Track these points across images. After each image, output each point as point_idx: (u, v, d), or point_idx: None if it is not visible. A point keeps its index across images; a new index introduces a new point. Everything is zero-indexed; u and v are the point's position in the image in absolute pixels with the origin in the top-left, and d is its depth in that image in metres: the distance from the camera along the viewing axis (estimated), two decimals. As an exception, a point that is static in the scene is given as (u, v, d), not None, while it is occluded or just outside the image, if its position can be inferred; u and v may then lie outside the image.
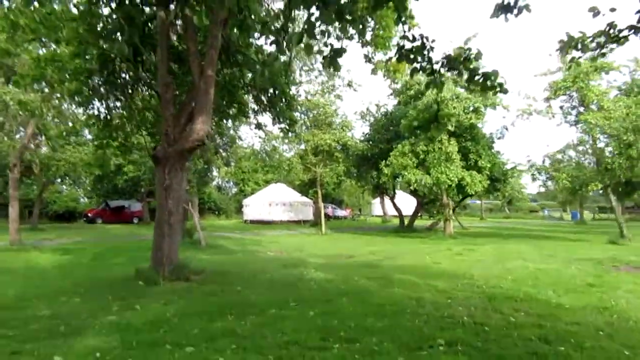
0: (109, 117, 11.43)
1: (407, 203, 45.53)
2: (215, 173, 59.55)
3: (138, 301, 7.28)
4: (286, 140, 30.32)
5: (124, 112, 11.55)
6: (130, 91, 11.42)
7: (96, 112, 11.51)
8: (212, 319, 6.11)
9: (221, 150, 31.72)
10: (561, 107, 23.65)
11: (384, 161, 25.68)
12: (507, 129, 26.16)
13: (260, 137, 26.50)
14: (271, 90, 11.06)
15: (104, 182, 44.58)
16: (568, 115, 23.13)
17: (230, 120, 24.43)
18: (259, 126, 12.80)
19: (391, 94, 27.77)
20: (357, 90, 18.48)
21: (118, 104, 11.52)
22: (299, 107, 18.88)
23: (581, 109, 22.45)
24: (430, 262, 13.13)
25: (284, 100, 11.39)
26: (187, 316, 6.27)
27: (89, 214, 44.25)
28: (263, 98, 11.55)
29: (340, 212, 57.53)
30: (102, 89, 10.96)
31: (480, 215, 61.23)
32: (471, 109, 24.50)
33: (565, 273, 10.56)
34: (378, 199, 58.88)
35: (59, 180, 49.02)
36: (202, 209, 52.68)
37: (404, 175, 24.10)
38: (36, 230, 30.41)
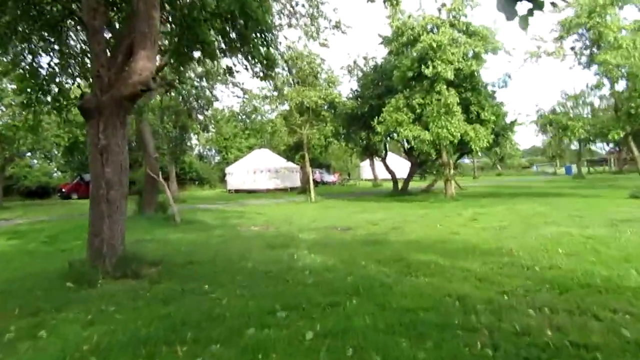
0: (34, 63, 8.84)
1: (398, 165, 43.44)
2: (195, 141, 56.94)
3: (53, 318, 4.96)
4: (267, 100, 27.68)
5: (55, 57, 8.95)
6: (59, 28, 8.80)
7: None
8: (151, 356, 3.81)
9: (197, 114, 29.05)
10: (572, 48, 21.20)
11: (376, 118, 23.24)
12: (510, 76, 23.78)
13: (238, 96, 23.79)
14: (241, 21, 8.47)
15: (75, 154, 41.51)
16: (582, 56, 20.70)
17: (194, 68, 21.83)
18: (229, 72, 10.20)
19: (381, 43, 25.04)
20: (345, 32, 15.78)
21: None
22: (278, 54, 16.32)
23: (595, 49, 20.02)
24: (445, 232, 10.93)
25: (259, 35, 8.82)
26: (113, 351, 3.96)
27: (64, 189, 41.51)
28: (232, 33, 8.96)
29: (329, 178, 55.32)
30: (20, 26, 8.35)
31: (472, 174, 59.41)
32: (471, 54, 22.03)
33: (627, 240, 8.41)
34: (367, 162, 56.72)
35: (28, 153, 46.03)
36: (184, 179, 50.16)
37: (400, 132, 21.74)
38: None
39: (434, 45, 20.85)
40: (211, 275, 6.76)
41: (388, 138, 30.54)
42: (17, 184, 43.35)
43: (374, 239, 9.83)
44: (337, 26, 16.01)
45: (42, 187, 44.57)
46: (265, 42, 8.79)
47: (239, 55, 9.63)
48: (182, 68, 10.70)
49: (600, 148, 69.34)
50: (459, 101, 20.75)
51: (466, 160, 65.25)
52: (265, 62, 8.98)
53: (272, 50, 9.40)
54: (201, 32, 9.21)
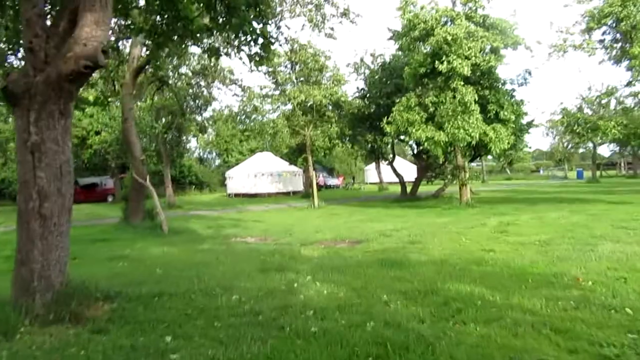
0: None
1: (402, 169, 41.57)
2: (194, 143, 55.21)
3: None
4: (268, 100, 25.94)
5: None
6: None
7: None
8: None
9: (194, 115, 27.38)
10: (601, 41, 19.36)
11: (385, 118, 21.46)
12: (530, 73, 21.93)
13: (237, 94, 22.05)
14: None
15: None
16: (613, 50, 18.84)
17: (189, 63, 20.02)
18: (212, 52, 8.41)
19: (391, 38, 23.28)
20: (354, 22, 14.12)
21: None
22: (279, 44, 14.62)
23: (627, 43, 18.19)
24: (475, 248, 9.12)
25: (252, 7, 7.05)
26: None
27: (57, 194, 39.76)
28: (219, 5, 7.20)
29: (333, 181, 53.50)
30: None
31: (481, 177, 57.39)
32: (488, 49, 20.25)
33: None
34: (372, 165, 54.84)
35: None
36: (183, 183, 48.47)
37: (411, 132, 19.95)
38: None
39: (449, 38, 19.08)
40: (180, 318, 4.98)
41: (397, 140, 28.89)
42: (9, 188, 41.73)
43: (391, 258, 8.03)
44: (345, 14, 14.38)
45: (35, 191, 42.92)
46: (260, 15, 7.01)
47: (229, 35, 7.87)
48: (160, 51, 8.93)
49: (610, 151, 67.57)
50: (476, 99, 18.95)
51: (473, 164, 63.37)
52: (260, 40, 7.21)
53: (269, 28, 7.64)
54: (182, 6, 7.51)
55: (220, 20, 7.27)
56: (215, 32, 7.73)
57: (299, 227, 15.82)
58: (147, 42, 12.29)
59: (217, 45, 16.02)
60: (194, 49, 18.49)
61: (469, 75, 18.80)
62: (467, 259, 7.82)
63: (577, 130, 19.85)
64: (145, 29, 7.81)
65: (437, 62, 19.28)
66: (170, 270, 7.75)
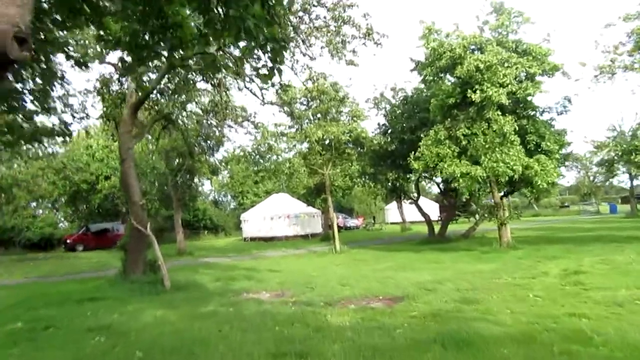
0: None
1: (424, 207, 39.34)
2: (208, 186, 53.78)
3: None
4: (284, 138, 24.29)
5: None
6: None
7: None
8: None
9: (206, 156, 25.83)
10: (654, 61, 17.44)
11: (412, 153, 19.56)
12: (570, 101, 19.95)
13: (249, 132, 20.43)
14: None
15: (77, 202, 38.41)
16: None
17: (198, 100, 18.32)
18: (210, 66, 6.54)
19: (414, 69, 21.67)
20: (379, 43, 12.43)
21: None
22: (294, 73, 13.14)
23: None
24: (558, 312, 6.94)
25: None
26: None
27: (68, 240, 38.30)
28: (217, 7, 5.45)
29: (352, 222, 51.32)
30: None
31: (519, 215, 54.50)
32: (523, 75, 18.45)
33: None
34: (392, 205, 52.64)
35: (33, 203, 43.30)
36: (197, 227, 46.76)
37: (442, 168, 17.96)
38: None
39: (481, 66, 17.36)
40: None
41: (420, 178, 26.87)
42: (19, 236, 40.42)
43: (452, 333, 5.91)
44: (368, 34, 12.72)
45: (45, 238, 41.53)
46: (269, 11, 5.22)
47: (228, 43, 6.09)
48: (138, 69, 7.16)
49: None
50: (516, 129, 17.03)
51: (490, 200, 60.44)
52: (269, 46, 5.42)
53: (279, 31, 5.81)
54: (171, 11, 5.83)
55: (217, 24, 5.50)
56: (211, 41, 5.96)
57: (321, 277, 13.73)
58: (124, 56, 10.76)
59: (223, 75, 14.66)
60: (202, 85, 17.04)
61: (506, 103, 16.93)
62: (560, 333, 5.67)
63: (636, 160, 17.65)
64: (124, 40, 6.08)
65: (469, 91, 17.51)
66: (154, 355, 5.74)
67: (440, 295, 9.10)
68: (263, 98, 14.48)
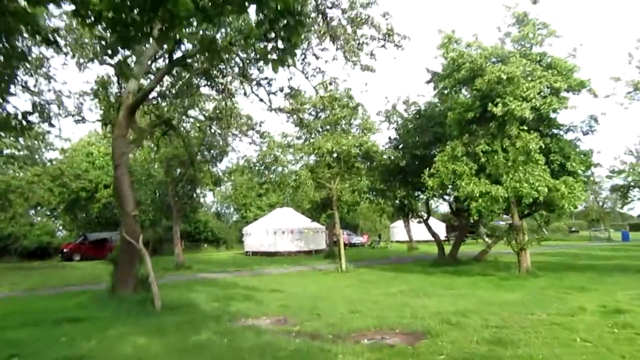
0: None
1: (421, 228, 38.15)
2: (211, 198, 52.61)
3: None
4: (290, 150, 23.19)
5: None
6: None
7: None
8: None
9: (209, 166, 24.75)
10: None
11: (427, 170, 18.39)
12: (596, 120, 18.75)
13: (254, 142, 19.30)
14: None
15: (76, 211, 37.28)
16: None
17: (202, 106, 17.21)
18: (210, 50, 5.41)
19: (429, 81, 20.61)
20: (400, 46, 11.36)
21: None
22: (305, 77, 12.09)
23: None
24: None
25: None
26: None
27: (65, 250, 37.17)
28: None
29: (357, 239, 49.96)
30: None
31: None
32: (547, 90, 17.32)
33: None
34: (398, 223, 51.28)
35: (31, 211, 42.21)
36: (198, 239, 45.62)
37: (460, 186, 16.77)
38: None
39: (504, 77, 16.25)
40: None
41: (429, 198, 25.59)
42: (15, 244, 39.28)
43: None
44: (388, 35, 11.67)
45: (42, 247, 40.37)
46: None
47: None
48: (127, 50, 6.10)
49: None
50: (542, 147, 15.87)
51: (501, 223, 58.92)
52: (281, 22, 4.33)
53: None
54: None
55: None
56: (211, 20, 4.87)
57: (327, 301, 12.50)
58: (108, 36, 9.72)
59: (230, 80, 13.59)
60: (205, 90, 16.00)
61: (530, 118, 15.79)
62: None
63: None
64: (106, 16, 4.98)
65: (490, 104, 16.39)
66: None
67: (468, 333, 7.86)
68: (271, 104, 13.42)
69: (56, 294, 15.52)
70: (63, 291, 16.45)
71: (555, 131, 18.26)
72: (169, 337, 8.20)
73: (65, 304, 12.47)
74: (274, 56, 4.79)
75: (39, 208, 41.49)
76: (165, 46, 10.38)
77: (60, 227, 45.81)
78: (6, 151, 24.90)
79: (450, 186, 18.21)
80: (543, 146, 16.09)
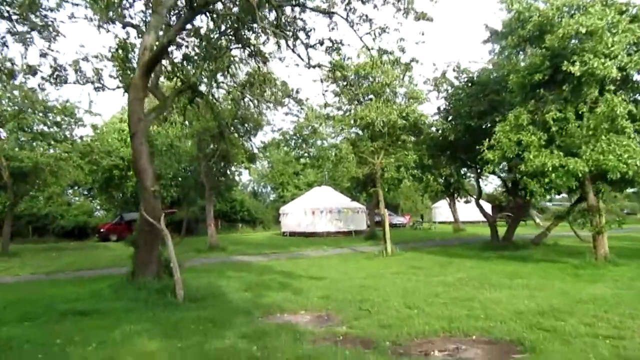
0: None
1: (467, 208, 35.85)
2: (248, 176, 51.37)
3: None
4: (330, 122, 21.22)
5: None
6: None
7: None
8: None
9: (242, 140, 23.11)
10: None
11: (486, 141, 16.10)
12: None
13: (291, 113, 17.43)
14: None
15: (111, 190, 36.60)
16: None
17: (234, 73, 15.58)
18: None
19: (488, 40, 18.16)
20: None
21: None
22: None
23: None
24: None
25: None
26: None
27: (102, 230, 36.76)
28: None
29: (398, 219, 47.75)
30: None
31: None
32: (633, 46, 14.65)
33: None
34: (441, 203, 48.79)
35: (69, 190, 42.02)
36: (234, 219, 44.53)
37: (527, 159, 14.44)
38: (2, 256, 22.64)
39: (582, 31, 13.72)
40: None
41: (481, 171, 23.20)
42: (52, 224, 39.15)
43: None
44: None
45: (79, 226, 40.14)
46: None
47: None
48: None
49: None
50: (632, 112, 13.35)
51: (548, 204, 55.07)
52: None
53: None
54: None
55: None
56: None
57: (376, 291, 10.66)
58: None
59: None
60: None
61: (618, 78, 13.28)
62: None
63: None
64: None
65: (565, 63, 13.89)
66: None
67: (576, 346, 5.85)
68: (309, 59, 11.47)
69: (76, 279, 14.34)
70: (85, 275, 15.26)
71: (640, 96, 15.59)
72: (186, 339, 6.54)
73: (80, 291, 11.10)
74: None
75: (76, 188, 41.28)
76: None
77: (98, 207, 45.63)
78: (35, 127, 24.06)
79: (512, 159, 15.86)
80: (634, 110, 13.52)
